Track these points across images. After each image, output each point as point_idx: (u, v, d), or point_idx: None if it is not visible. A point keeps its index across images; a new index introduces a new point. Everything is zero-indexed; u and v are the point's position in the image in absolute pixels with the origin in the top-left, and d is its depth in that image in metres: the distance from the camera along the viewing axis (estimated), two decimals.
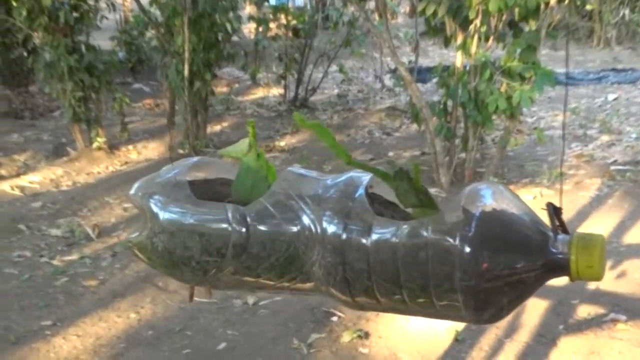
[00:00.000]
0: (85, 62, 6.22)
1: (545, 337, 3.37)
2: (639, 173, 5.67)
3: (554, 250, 0.95)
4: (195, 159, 1.21)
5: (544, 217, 0.99)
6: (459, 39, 5.29)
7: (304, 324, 3.56)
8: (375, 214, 1.01)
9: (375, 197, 1.08)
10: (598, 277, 0.94)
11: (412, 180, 1.01)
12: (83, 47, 6.30)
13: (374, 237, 0.99)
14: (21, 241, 4.70)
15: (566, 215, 1.02)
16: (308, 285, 1.06)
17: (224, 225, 1.05)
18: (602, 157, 6.14)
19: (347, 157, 1.06)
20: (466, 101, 5.20)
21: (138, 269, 4.19)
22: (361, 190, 1.03)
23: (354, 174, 1.07)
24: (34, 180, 6.06)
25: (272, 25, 8.59)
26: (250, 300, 3.79)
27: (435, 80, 6.14)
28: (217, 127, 7.74)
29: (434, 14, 5.25)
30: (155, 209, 1.09)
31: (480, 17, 4.98)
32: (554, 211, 0.98)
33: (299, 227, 1.03)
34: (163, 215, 1.09)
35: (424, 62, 9.75)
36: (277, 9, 8.62)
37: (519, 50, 5.03)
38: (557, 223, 0.97)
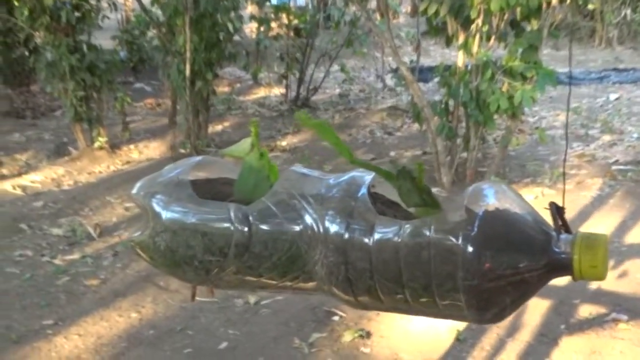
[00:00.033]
0: (86, 61, 6.22)
1: (547, 337, 3.37)
2: None
3: (556, 249, 0.95)
4: (198, 158, 1.21)
5: (547, 217, 0.99)
6: (461, 38, 5.29)
7: (305, 324, 3.56)
8: (378, 213, 1.01)
9: (377, 196, 1.07)
10: (601, 277, 0.94)
11: (414, 179, 1.01)
12: (85, 47, 6.30)
13: (377, 236, 0.99)
14: (23, 240, 4.71)
15: (567, 215, 1.02)
16: (310, 284, 1.06)
17: (226, 225, 1.05)
18: (603, 156, 6.13)
19: (350, 156, 1.06)
20: (468, 101, 5.20)
21: (139, 269, 4.19)
22: (364, 190, 1.03)
23: (357, 173, 1.07)
24: (36, 179, 6.06)
25: (273, 24, 8.59)
26: (252, 299, 3.79)
27: (436, 79, 6.14)
28: (219, 127, 7.74)
29: (436, 13, 5.25)
30: (157, 208, 1.09)
31: (482, 16, 4.98)
32: (557, 211, 0.98)
33: (301, 226, 1.03)
34: (165, 214, 1.09)
35: (425, 61, 9.74)
36: (278, 9, 8.62)
37: (520, 50, 5.03)
38: (560, 223, 0.97)
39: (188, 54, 6.27)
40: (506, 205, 0.98)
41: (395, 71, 9.24)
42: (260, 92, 9.52)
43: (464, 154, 5.66)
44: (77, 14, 6.16)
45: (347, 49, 8.99)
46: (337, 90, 9.53)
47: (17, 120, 7.95)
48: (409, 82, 5.61)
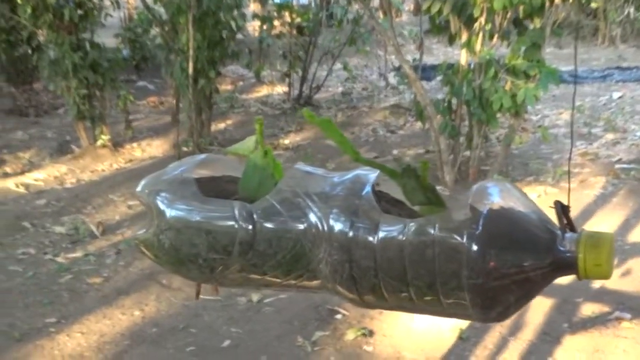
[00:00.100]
0: (89, 59, 6.23)
1: (550, 336, 3.37)
2: None
3: (561, 248, 0.94)
4: (202, 156, 1.21)
5: (552, 216, 0.99)
6: (464, 36, 5.29)
7: (308, 322, 3.56)
8: (382, 211, 1.01)
9: (382, 194, 1.07)
10: (606, 276, 0.93)
11: (419, 177, 1.00)
12: (87, 45, 6.30)
13: (381, 234, 0.98)
14: (25, 238, 4.71)
15: (571, 214, 1.02)
16: (315, 282, 1.06)
17: (231, 223, 1.05)
18: (606, 155, 6.12)
19: (354, 154, 1.06)
20: (470, 99, 5.20)
21: (142, 267, 4.19)
22: (368, 188, 1.03)
23: (361, 171, 1.07)
24: (39, 177, 6.07)
25: (276, 23, 8.59)
26: (255, 297, 3.79)
27: (439, 78, 6.13)
28: (222, 125, 7.75)
29: (439, 11, 5.24)
30: (161, 206, 1.09)
31: (484, 15, 4.97)
32: (562, 209, 0.97)
33: (305, 224, 1.03)
34: (170, 212, 1.08)
35: (428, 60, 9.74)
36: (281, 7, 8.61)
37: (523, 48, 5.02)
38: (565, 221, 0.97)
39: (191, 52, 6.27)
40: (511, 203, 0.97)
41: (398, 69, 9.22)
42: (263, 91, 9.52)
43: (467, 153, 5.66)
44: (80, 11, 6.17)
45: (350, 47, 8.98)
46: (340, 89, 9.53)
47: (20, 118, 7.96)
48: (412, 80, 5.60)
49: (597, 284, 3.74)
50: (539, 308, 3.54)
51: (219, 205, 1.08)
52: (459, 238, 0.94)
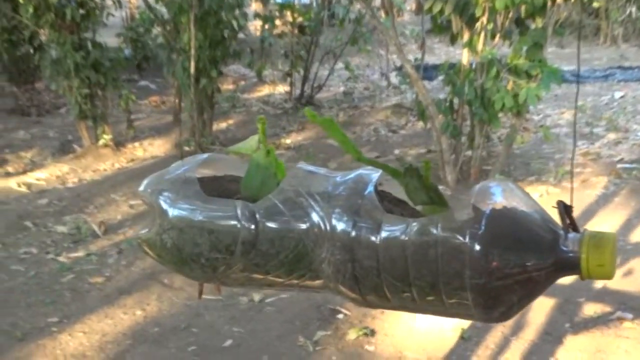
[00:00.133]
0: (91, 59, 6.23)
1: (552, 335, 3.37)
2: None
3: (564, 248, 0.94)
4: (205, 155, 1.20)
5: (554, 215, 0.99)
6: (466, 36, 5.29)
7: (309, 322, 3.56)
8: (385, 211, 1.00)
9: (384, 194, 1.07)
10: (609, 276, 0.93)
11: (422, 177, 1.00)
12: (89, 44, 6.31)
13: (384, 234, 0.98)
14: (27, 238, 4.72)
15: (573, 214, 1.02)
16: (317, 282, 1.06)
17: (233, 222, 1.05)
18: (608, 155, 6.12)
19: (357, 154, 1.06)
20: (472, 99, 5.19)
21: (144, 266, 4.19)
22: (370, 188, 1.03)
23: (363, 171, 1.07)
24: (40, 177, 6.07)
25: (278, 22, 8.58)
26: (256, 297, 3.79)
27: (441, 77, 6.13)
28: (223, 125, 7.75)
29: (441, 11, 5.24)
30: (164, 205, 1.09)
31: (486, 14, 4.97)
32: (565, 209, 0.97)
33: (308, 224, 1.03)
34: (172, 211, 1.08)
35: (430, 59, 9.74)
36: (283, 6, 8.61)
37: (525, 48, 5.02)
38: (568, 221, 0.97)
39: (193, 52, 6.27)
40: (514, 203, 0.97)
41: (399, 69, 9.22)
42: (265, 90, 9.52)
43: (469, 152, 5.66)
44: (81, 11, 6.17)
45: (352, 46, 8.98)
46: (342, 88, 9.53)
47: (22, 118, 7.97)
48: (414, 80, 5.60)
49: (598, 284, 3.74)
50: (541, 308, 3.54)
51: (222, 204, 1.08)
52: (461, 238, 0.94)
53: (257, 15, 9.04)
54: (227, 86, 9.14)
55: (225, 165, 1.20)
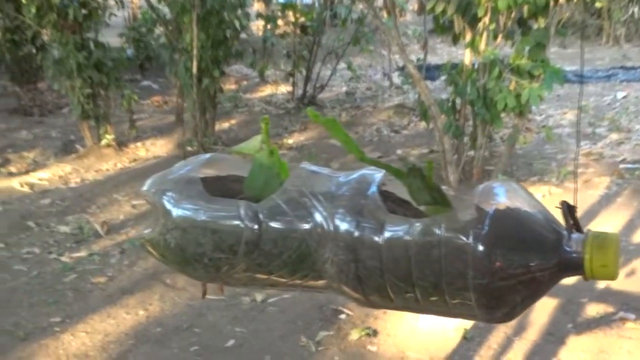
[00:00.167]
0: (93, 59, 6.24)
1: (554, 336, 3.37)
2: None
3: (568, 249, 0.94)
4: (208, 155, 1.20)
5: (558, 216, 0.99)
6: (468, 36, 5.28)
7: (312, 322, 3.56)
8: (388, 211, 1.00)
9: (388, 194, 1.07)
10: (612, 277, 0.93)
11: (425, 177, 1.00)
12: (92, 44, 6.32)
13: (387, 234, 0.98)
14: (30, 238, 4.72)
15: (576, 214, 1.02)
16: (320, 282, 1.06)
17: (236, 222, 1.05)
18: (611, 155, 6.12)
19: (360, 154, 1.06)
20: (475, 99, 5.19)
21: (146, 266, 4.20)
22: (374, 188, 1.02)
23: (367, 171, 1.07)
24: (43, 177, 6.08)
25: (280, 22, 8.59)
26: (259, 297, 3.79)
27: (443, 77, 6.13)
28: (226, 125, 7.75)
29: (443, 11, 5.24)
30: (168, 205, 1.09)
31: (489, 14, 4.97)
32: (568, 210, 0.97)
33: (311, 224, 1.03)
34: (176, 211, 1.08)
35: (432, 59, 9.73)
36: (285, 6, 8.61)
37: (527, 48, 5.02)
38: (571, 221, 0.97)
39: (195, 52, 6.28)
40: (517, 203, 0.97)
41: (402, 69, 9.23)
42: (267, 90, 9.52)
43: (471, 153, 5.65)
44: (84, 11, 6.18)
45: (354, 46, 8.98)
46: (344, 88, 9.53)
47: (25, 118, 7.97)
48: (416, 80, 5.60)
49: (601, 284, 3.74)
50: (544, 308, 3.54)
51: (225, 204, 1.08)
52: (464, 238, 0.94)
53: (259, 15, 9.04)
54: (229, 86, 9.14)
55: (229, 165, 1.20)
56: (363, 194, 1.02)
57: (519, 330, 3.39)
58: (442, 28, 5.72)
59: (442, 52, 11.81)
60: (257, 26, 10.21)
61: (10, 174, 6.15)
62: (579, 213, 0.98)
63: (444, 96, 6.21)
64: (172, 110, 8.07)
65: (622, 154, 6.11)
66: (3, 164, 6.40)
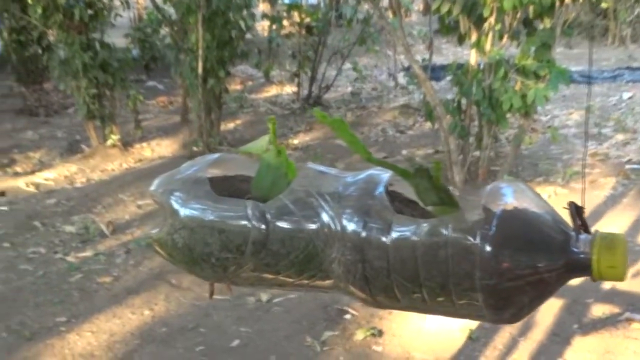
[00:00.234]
0: (99, 59, 6.25)
1: (560, 336, 3.36)
2: None
3: (575, 249, 0.94)
4: (215, 155, 1.20)
5: (565, 216, 0.99)
6: (473, 36, 5.28)
7: (317, 322, 3.56)
8: (395, 211, 1.00)
9: (395, 194, 1.07)
10: (620, 278, 0.93)
11: (432, 178, 1.00)
12: (97, 45, 6.33)
13: (394, 235, 0.98)
14: (36, 238, 4.73)
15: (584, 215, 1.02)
16: (327, 282, 1.06)
17: (244, 222, 1.05)
18: (616, 155, 6.11)
19: (366, 154, 1.06)
20: (480, 99, 5.19)
21: (152, 266, 4.20)
22: (381, 188, 1.02)
23: (374, 171, 1.06)
24: (49, 177, 6.09)
25: (285, 23, 8.60)
26: (264, 297, 3.79)
27: (449, 78, 6.13)
28: (231, 125, 7.76)
29: (449, 11, 5.23)
30: (175, 205, 1.09)
31: (494, 15, 4.97)
32: (576, 210, 0.97)
33: (318, 224, 1.02)
34: (183, 211, 1.08)
35: (437, 60, 9.73)
36: (290, 7, 8.63)
37: (533, 48, 5.02)
38: (579, 222, 0.96)
39: (200, 52, 6.29)
40: (525, 204, 0.97)
41: (407, 69, 9.22)
42: (272, 90, 9.53)
43: (477, 153, 5.65)
44: (90, 11, 6.20)
45: (360, 47, 8.98)
46: (349, 89, 9.54)
47: (31, 118, 8.00)
48: (422, 80, 5.60)
49: (607, 284, 3.73)
50: (549, 309, 3.54)
51: (232, 204, 1.08)
52: (472, 239, 0.93)
53: (264, 16, 9.05)
54: (234, 86, 9.15)
55: (236, 165, 1.20)
56: (370, 195, 1.02)
57: (525, 330, 3.39)
58: (448, 28, 5.71)
59: (447, 53, 11.80)
60: (263, 27, 10.22)
61: (16, 174, 6.17)
62: (585, 214, 0.98)
63: (449, 96, 6.21)
64: (178, 111, 8.08)
65: (627, 155, 6.10)
66: (9, 164, 6.42)
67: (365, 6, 8.74)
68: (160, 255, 1.14)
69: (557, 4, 4.91)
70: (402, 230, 0.98)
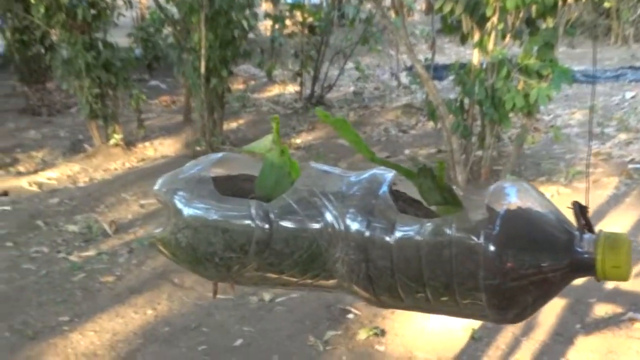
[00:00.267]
0: (102, 59, 6.26)
1: (562, 336, 3.36)
2: None
3: (579, 249, 0.94)
4: (219, 155, 1.20)
5: (569, 216, 0.99)
6: (476, 36, 5.28)
7: (320, 321, 3.56)
8: (399, 211, 1.00)
9: (399, 194, 1.07)
10: (624, 278, 0.93)
11: (436, 177, 1.00)
12: (100, 44, 6.34)
13: (398, 234, 0.98)
14: (39, 237, 4.74)
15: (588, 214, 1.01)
16: (331, 282, 1.06)
17: (247, 222, 1.05)
18: (619, 155, 6.10)
19: (370, 154, 1.05)
20: (483, 99, 5.18)
21: (154, 266, 4.21)
22: (385, 188, 1.02)
23: (378, 171, 1.06)
24: (52, 176, 6.10)
25: (288, 22, 8.60)
26: (266, 297, 3.79)
27: (451, 77, 6.12)
28: (234, 124, 7.76)
29: (451, 11, 5.23)
30: (179, 204, 1.09)
31: (497, 14, 4.96)
32: (580, 210, 0.97)
33: (322, 224, 1.02)
34: (187, 211, 1.08)
35: (440, 59, 9.72)
36: (293, 6, 8.62)
37: (536, 48, 5.01)
38: (583, 222, 0.96)
39: (203, 51, 6.29)
40: (528, 204, 0.97)
41: (410, 69, 9.22)
42: (275, 90, 9.53)
43: (479, 152, 5.64)
44: (92, 11, 6.20)
45: (362, 46, 8.98)
46: (352, 88, 9.53)
47: (33, 118, 8.01)
48: (424, 80, 5.59)
49: (610, 284, 3.72)
50: (552, 308, 3.53)
51: (236, 204, 1.08)
52: (475, 238, 0.93)
53: (267, 15, 9.05)
54: (237, 86, 9.15)
55: (239, 165, 1.20)
56: (374, 194, 1.02)
57: (527, 330, 3.38)
58: (450, 28, 5.71)
59: (450, 52, 11.79)
60: (265, 26, 10.21)
61: (19, 174, 6.17)
62: (589, 213, 0.98)
63: (452, 96, 6.21)
64: (180, 110, 8.08)
65: (630, 154, 6.09)
66: (12, 163, 6.42)
67: (368, 5, 8.73)
68: (163, 254, 1.14)
69: (560, 3, 4.90)
70: (405, 230, 0.98)
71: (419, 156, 6.44)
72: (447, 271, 0.96)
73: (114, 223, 4.90)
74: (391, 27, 6.29)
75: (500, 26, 5.07)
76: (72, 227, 4.88)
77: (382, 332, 3.43)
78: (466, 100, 5.53)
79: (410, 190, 1.06)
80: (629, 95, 8.49)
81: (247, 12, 6.76)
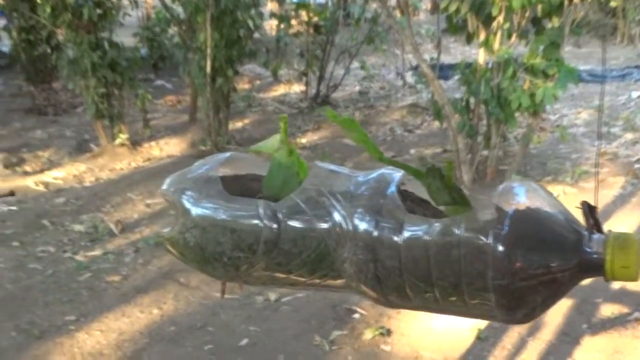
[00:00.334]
0: (108, 58, 6.27)
1: (569, 336, 3.35)
2: None
3: (588, 249, 0.93)
4: (227, 154, 1.20)
5: (578, 216, 0.98)
6: (482, 35, 5.27)
7: (325, 321, 3.56)
8: (407, 211, 1.00)
9: (407, 194, 1.07)
10: (633, 278, 0.92)
11: (444, 177, 1.00)
12: (106, 44, 6.35)
13: (406, 234, 0.98)
14: (45, 237, 4.74)
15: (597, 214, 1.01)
16: (339, 282, 1.06)
17: (255, 222, 1.05)
18: (625, 155, 6.08)
19: (378, 154, 1.05)
20: (489, 98, 5.18)
21: (160, 265, 4.21)
22: (393, 187, 1.02)
23: (386, 170, 1.06)
24: (58, 176, 6.11)
25: (293, 22, 8.60)
26: (272, 296, 3.79)
27: (457, 77, 6.12)
28: (239, 124, 7.76)
29: (457, 10, 5.22)
30: (187, 204, 1.09)
31: (503, 13, 4.95)
32: (589, 210, 0.96)
33: (330, 223, 1.02)
34: (195, 210, 1.08)
35: (445, 59, 9.71)
36: (298, 6, 8.62)
37: (542, 47, 5.00)
38: (592, 222, 0.96)
39: (209, 51, 6.29)
40: (537, 204, 0.96)
41: (415, 68, 9.21)
42: (280, 90, 9.53)
43: (485, 152, 5.64)
44: (98, 11, 6.21)
45: (368, 46, 8.97)
46: (357, 88, 9.53)
47: (39, 117, 8.02)
48: (430, 79, 5.59)
49: (616, 284, 3.71)
50: (558, 308, 3.52)
51: (244, 204, 1.08)
52: (484, 238, 0.93)
53: (272, 15, 9.06)
54: (242, 85, 9.16)
55: (247, 164, 1.20)
56: (382, 194, 1.02)
57: (534, 330, 3.38)
58: (456, 27, 5.70)
59: (455, 52, 11.78)
60: (271, 25, 10.22)
61: (25, 173, 6.19)
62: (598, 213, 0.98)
63: (457, 95, 6.19)
64: (186, 110, 8.09)
65: (636, 154, 6.08)
66: (18, 163, 6.44)
67: (373, 5, 8.73)
68: (172, 254, 1.14)
69: (566, 2, 4.89)
70: (414, 230, 0.98)
71: (425, 156, 6.43)
72: (456, 271, 0.95)
73: (120, 223, 4.91)
74: (397, 26, 6.29)
75: (506, 25, 5.06)
76: (78, 227, 4.88)
77: (388, 332, 3.43)
78: (472, 100, 5.52)
79: (419, 190, 1.06)
80: (635, 94, 8.46)
81: (253, 11, 6.76)
